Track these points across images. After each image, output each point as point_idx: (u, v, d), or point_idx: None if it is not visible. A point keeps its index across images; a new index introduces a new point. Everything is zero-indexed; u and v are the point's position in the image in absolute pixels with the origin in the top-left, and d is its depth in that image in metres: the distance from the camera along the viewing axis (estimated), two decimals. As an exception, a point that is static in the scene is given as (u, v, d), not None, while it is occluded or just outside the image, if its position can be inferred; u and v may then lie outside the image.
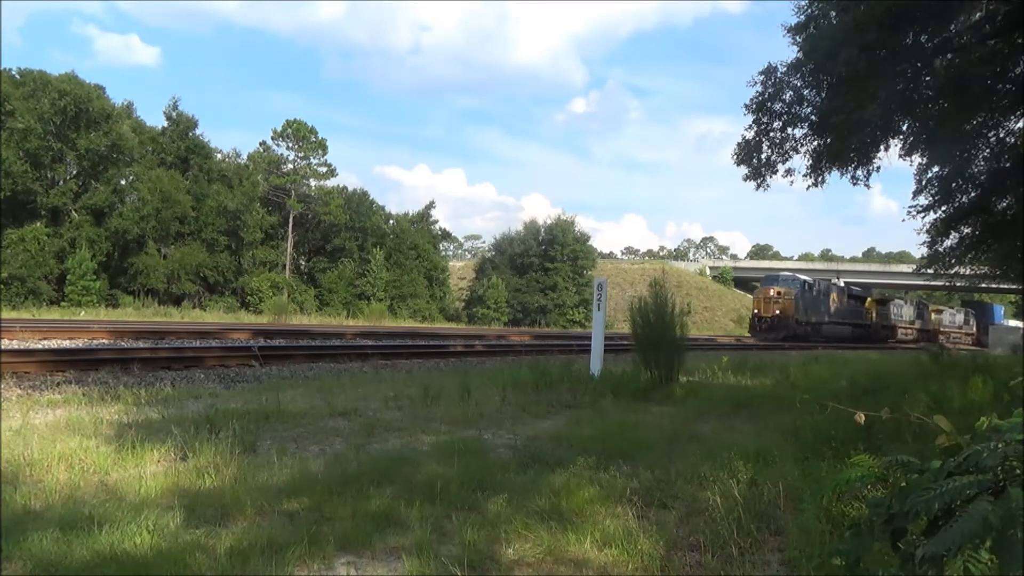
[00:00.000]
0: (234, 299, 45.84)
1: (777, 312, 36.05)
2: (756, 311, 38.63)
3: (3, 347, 10.52)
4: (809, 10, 11.44)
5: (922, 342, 49.96)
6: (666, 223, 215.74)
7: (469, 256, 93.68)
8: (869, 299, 46.67)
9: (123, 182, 41.85)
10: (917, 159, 13.55)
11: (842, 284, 45.83)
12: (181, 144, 45.75)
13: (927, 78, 11.07)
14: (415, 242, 55.13)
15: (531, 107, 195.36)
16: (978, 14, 10.43)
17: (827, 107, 11.15)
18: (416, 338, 20.14)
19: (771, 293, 36.84)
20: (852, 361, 16.17)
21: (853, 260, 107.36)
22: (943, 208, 14.93)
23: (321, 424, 5.80)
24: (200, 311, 39.46)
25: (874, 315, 45.98)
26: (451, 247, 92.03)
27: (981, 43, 10.55)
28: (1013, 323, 74.22)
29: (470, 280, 64.08)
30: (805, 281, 38.50)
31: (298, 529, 3.14)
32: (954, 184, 13.91)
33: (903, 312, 51.48)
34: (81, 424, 5.21)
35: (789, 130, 12.49)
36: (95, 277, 37.95)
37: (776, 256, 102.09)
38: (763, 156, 12.81)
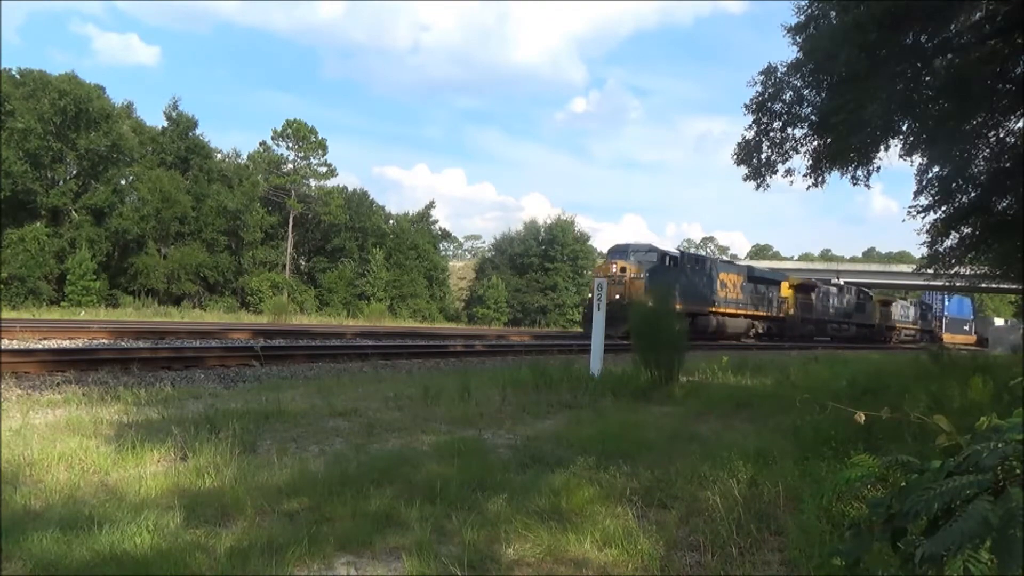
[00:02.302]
0: (234, 299, 45.88)
1: (617, 296, 24.60)
2: (591, 295, 28.28)
3: (3, 347, 10.52)
4: (809, 10, 11.45)
5: (864, 341, 41.67)
6: (666, 223, 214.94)
7: (469, 256, 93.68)
8: (785, 283, 36.53)
9: (123, 182, 41.91)
10: (917, 159, 13.57)
11: (746, 264, 36.66)
12: (181, 144, 45.78)
13: (927, 78, 11.08)
14: (415, 242, 55.18)
15: (531, 107, 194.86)
16: (978, 14, 10.43)
17: (827, 107, 11.16)
18: (416, 338, 20.14)
19: (612, 270, 25.86)
20: (852, 361, 16.18)
21: (853, 260, 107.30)
22: (943, 208, 14.92)
23: (321, 424, 5.80)
24: (200, 311, 39.47)
25: (792, 306, 36.30)
26: (451, 247, 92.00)
27: (981, 43, 10.56)
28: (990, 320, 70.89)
29: (470, 280, 64.10)
30: (666, 254, 27.76)
31: (298, 529, 3.14)
32: (954, 184, 13.91)
33: (838, 302, 41.40)
34: (81, 424, 5.20)
35: (789, 130, 12.51)
36: (95, 277, 37.97)
37: (776, 256, 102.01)
38: (763, 156, 12.83)
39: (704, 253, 42.84)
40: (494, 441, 5.43)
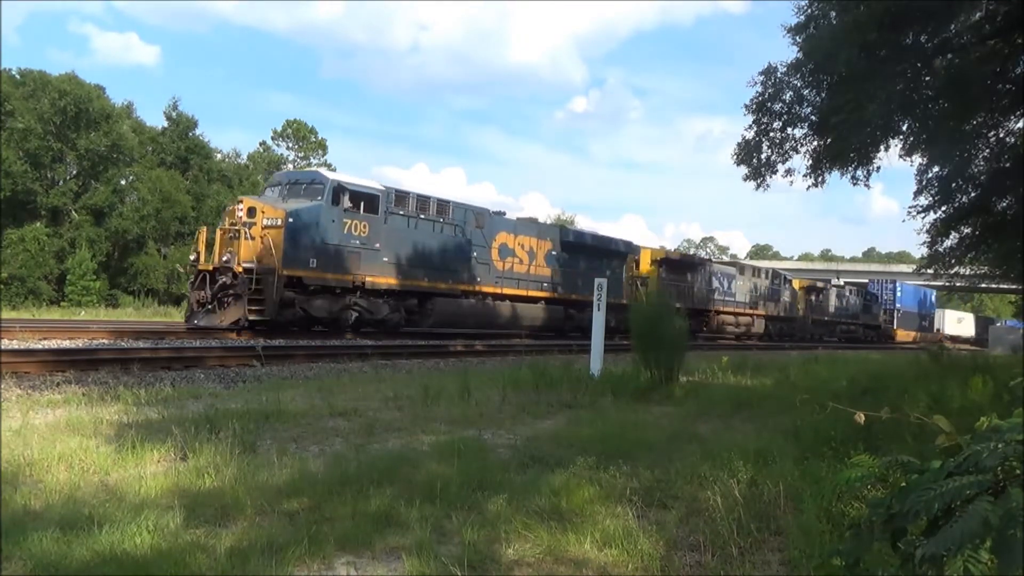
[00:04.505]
0: (234, 299, 45.85)
1: (225, 259, 14.90)
2: (193, 259, 16.17)
3: (3, 347, 10.52)
4: (809, 10, 11.46)
5: (782, 339, 32.80)
6: (665, 223, 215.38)
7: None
8: (645, 256, 25.97)
9: (123, 182, 41.98)
10: (917, 159, 13.59)
11: (558, 225, 24.63)
12: (181, 144, 45.83)
13: (927, 78, 11.09)
14: (415, 242, 55.18)
15: (531, 106, 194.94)
16: (978, 14, 10.44)
17: (827, 107, 11.16)
18: (416, 338, 20.13)
19: (237, 213, 15.27)
20: (853, 361, 16.21)
21: (853, 260, 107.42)
22: (943, 208, 14.95)
23: (321, 424, 5.80)
24: (200, 311, 39.45)
25: (655, 291, 24.71)
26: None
27: (981, 43, 10.57)
28: (953, 313, 63.61)
29: (470, 280, 63.79)
30: (343, 188, 15.93)
31: (298, 529, 3.14)
32: (954, 184, 13.93)
33: (736, 287, 30.95)
34: (81, 424, 5.20)
35: (789, 130, 12.51)
36: (95, 277, 37.98)
37: (776, 256, 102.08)
38: (763, 156, 12.83)
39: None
40: (494, 441, 5.43)
